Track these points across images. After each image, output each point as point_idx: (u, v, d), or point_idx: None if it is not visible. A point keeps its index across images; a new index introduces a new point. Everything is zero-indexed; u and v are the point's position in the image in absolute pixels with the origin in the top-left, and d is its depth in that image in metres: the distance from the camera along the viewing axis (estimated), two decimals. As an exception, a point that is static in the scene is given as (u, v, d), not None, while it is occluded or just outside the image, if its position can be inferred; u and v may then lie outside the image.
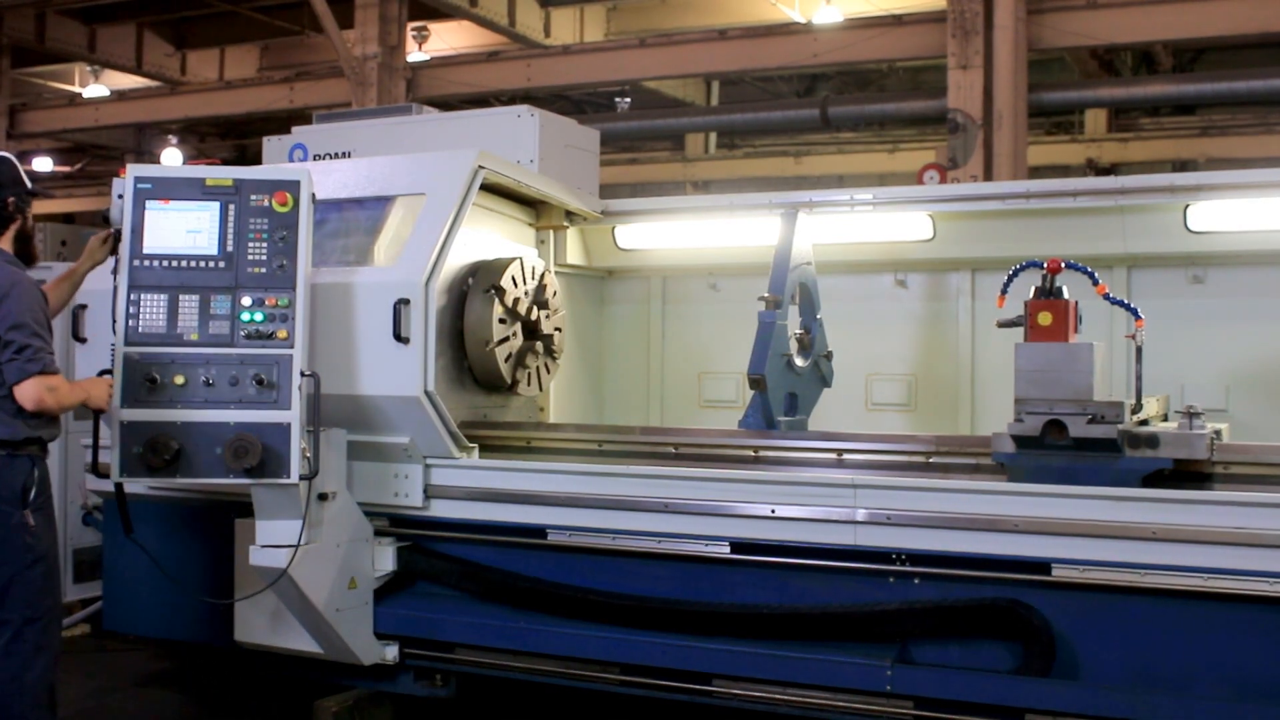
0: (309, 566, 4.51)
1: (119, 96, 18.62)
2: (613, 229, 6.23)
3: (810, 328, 5.58)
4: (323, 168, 5.34)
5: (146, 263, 4.32)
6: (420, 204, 4.92)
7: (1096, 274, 4.46)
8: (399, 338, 4.62)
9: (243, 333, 4.29)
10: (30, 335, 3.97)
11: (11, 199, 4.22)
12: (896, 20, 12.97)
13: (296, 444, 4.24)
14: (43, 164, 21.77)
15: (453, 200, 4.86)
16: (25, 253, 4.31)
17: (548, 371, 5.64)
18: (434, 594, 4.92)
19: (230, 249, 4.35)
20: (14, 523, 4.00)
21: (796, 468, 4.75)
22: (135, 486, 4.73)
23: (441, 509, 4.83)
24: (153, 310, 4.29)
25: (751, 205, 5.87)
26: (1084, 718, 3.90)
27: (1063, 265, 4.32)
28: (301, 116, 7.58)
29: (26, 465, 4.05)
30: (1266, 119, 15.65)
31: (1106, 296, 4.49)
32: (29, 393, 3.94)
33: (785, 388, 5.28)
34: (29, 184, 4.31)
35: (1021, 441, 4.21)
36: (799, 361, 5.42)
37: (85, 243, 4.80)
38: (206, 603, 4.97)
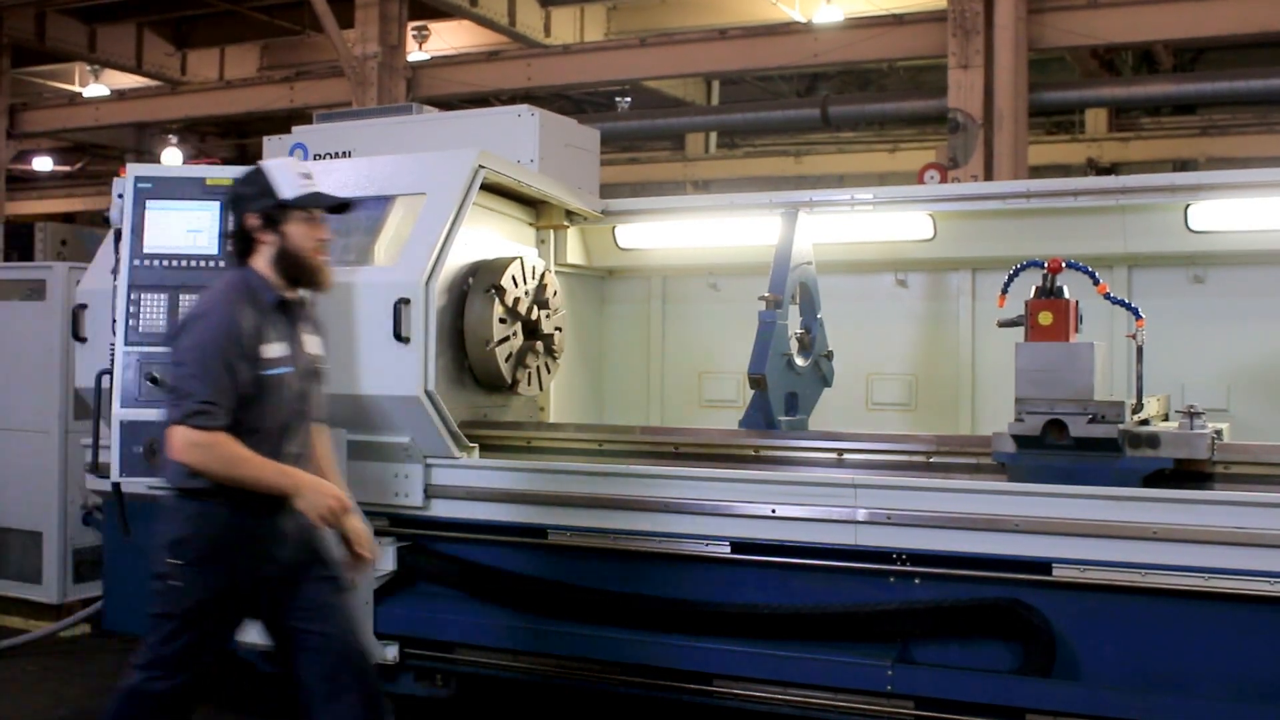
0: (309, 566, 4.50)
1: (119, 96, 18.62)
2: (613, 229, 6.22)
3: (811, 327, 5.58)
4: (323, 167, 5.33)
5: (146, 262, 4.32)
6: (420, 203, 4.92)
7: (1097, 273, 4.46)
8: (399, 337, 4.62)
9: (243, 332, 4.28)
10: (187, 377, 3.40)
11: (254, 216, 3.57)
12: (897, 20, 12.96)
13: (297, 444, 4.22)
14: (43, 164, 21.80)
15: (453, 200, 4.86)
16: (298, 277, 3.61)
17: (548, 371, 5.64)
18: (434, 594, 4.92)
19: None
20: (157, 570, 3.50)
21: (797, 467, 4.75)
22: (135, 486, 4.72)
23: (442, 509, 4.83)
24: (153, 310, 4.30)
25: (752, 205, 5.86)
26: (1084, 718, 3.90)
27: (1063, 265, 4.31)
28: (301, 116, 7.60)
29: (189, 512, 3.48)
30: (1267, 118, 15.64)
31: (1107, 296, 4.49)
32: (174, 441, 3.40)
33: (785, 387, 5.27)
34: (286, 193, 3.56)
35: (1022, 441, 4.21)
36: (799, 361, 5.41)
37: (85, 243, 4.72)
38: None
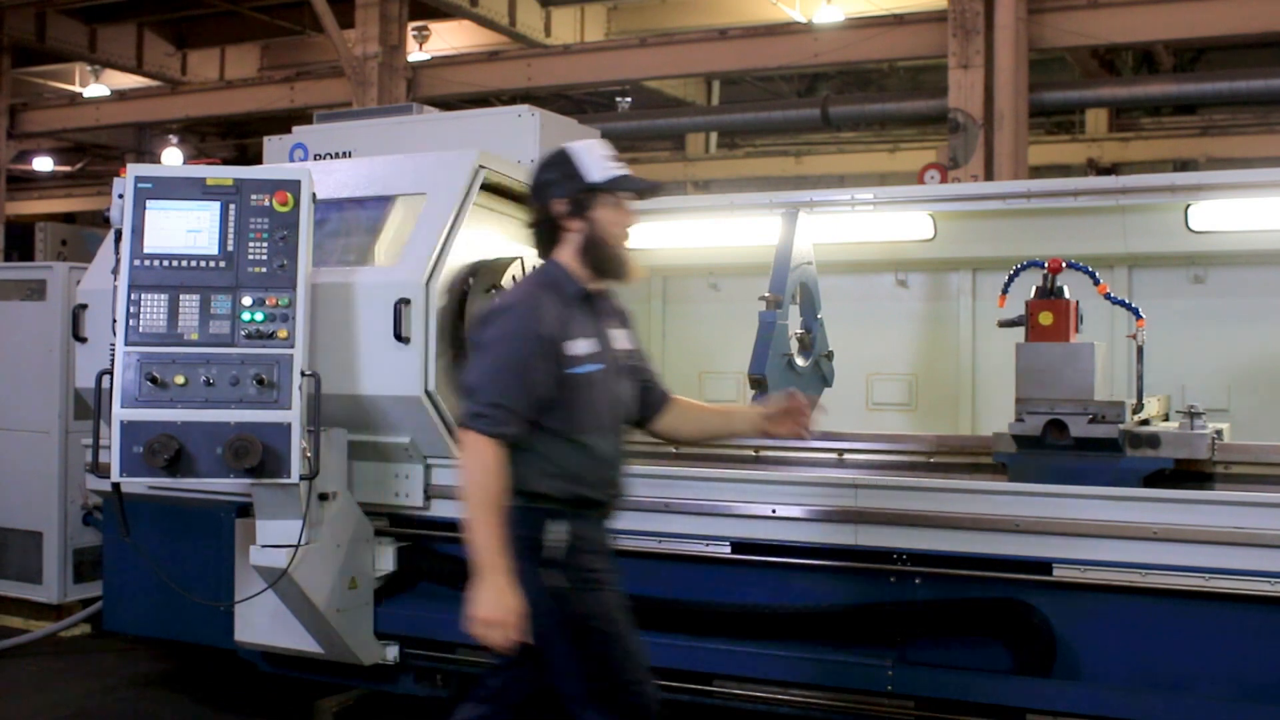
0: (309, 566, 4.51)
1: (119, 96, 18.62)
2: (613, 229, 6.21)
3: (811, 327, 5.57)
4: (323, 167, 5.34)
5: (147, 262, 4.31)
6: (421, 204, 4.92)
7: (1097, 274, 4.47)
8: (400, 337, 4.62)
9: (243, 332, 4.29)
10: (480, 374, 3.18)
11: (561, 202, 3.30)
12: (897, 20, 12.97)
13: (297, 444, 4.24)
14: (43, 164, 21.81)
15: (453, 200, 4.86)
16: (604, 267, 3.33)
17: (548, 371, 5.63)
18: (434, 594, 4.91)
19: (231, 249, 4.35)
20: (533, 581, 3.16)
21: (797, 467, 4.75)
22: (135, 486, 4.73)
23: (442, 509, 4.82)
24: (153, 310, 4.28)
25: (752, 205, 5.86)
26: (1084, 718, 3.90)
27: (1064, 265, 4.32)
28: (302, 116, 7.58)
29: (539, 518, 3.19)
30: (1267, 119, 15.64)
31: (1108, 296, 4.50)
32: (459, 449, 3.23)
33: (786, 387, 5.26)
34: (595, 176, 3.29)
35: (1022, 441, 4.22)
36: (800, 361, 5.41)
37: (85, 243, 4.67)
38: (206, 605, 4.96)
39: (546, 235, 3.35)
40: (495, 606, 3.05)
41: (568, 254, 3.32)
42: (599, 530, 3.34)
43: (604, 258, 3.32)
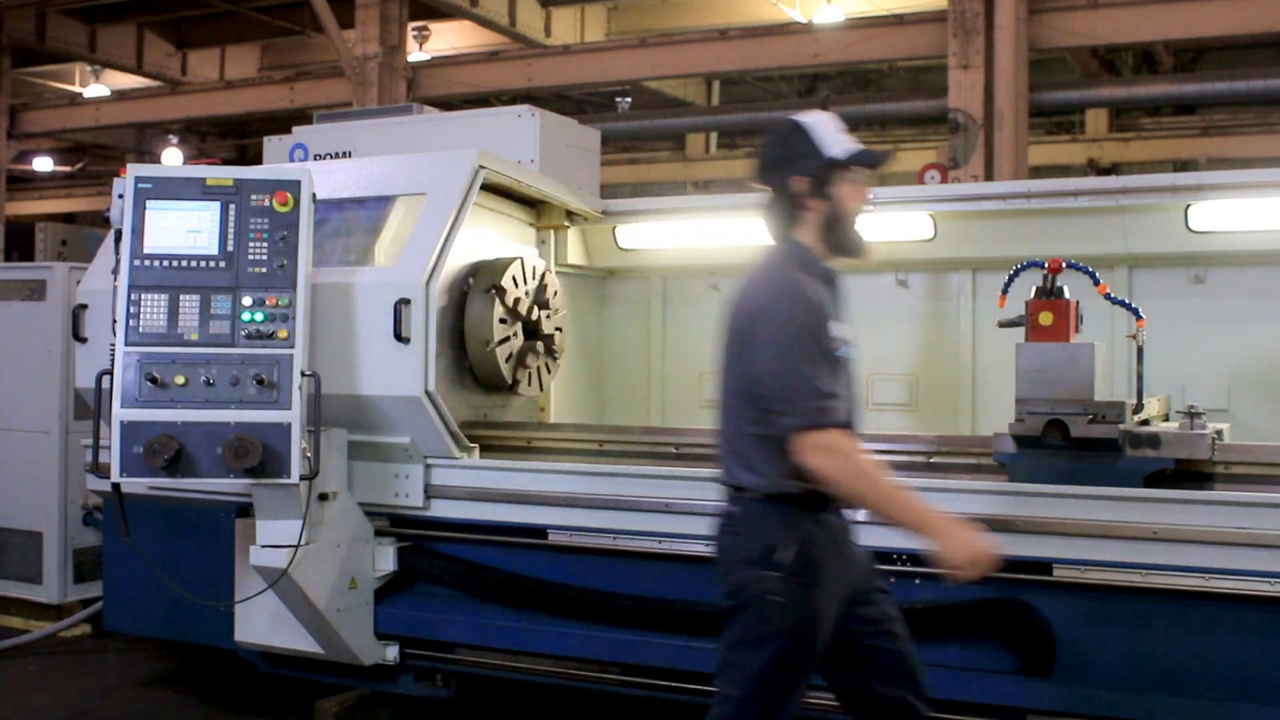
0: (309, 567, 4.52)
1: (119, 96, 18.63)
2: (613, 229, 6.22)
3: (811, 328, 5.56)
4: (323, 167, 5.34)
5: (147, 263, 4.32)
6: (421, 204, 4.93)
7: (1097, 274, 4.46)
8: (400, 338, 4.63)
9: (243, 332, 4.30)
10: (784, 380, 3.00)
11: (801, 179, 3.15)
12: (897, 20, 12.97)
13: (297, 444, 4.24)
14: (43, 164, 21.81)
15: (453, 200, 4.86)
16: (842, 245, 3.23)
17: (548, 371, 5.64)
18: (434, 594, 4.92)
19: (231, 249, 4.36)
20: (754, 587, 3.05)
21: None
22: (135, 486, 4.72)
23: (442, 509, 4.83)
24: (153, 310, 4.29)
25: (752, 205, 5.84)
26: (1084, 718, 3.90)
27: (1064, 265, 4.31)
28: (302, 116, 7.59)
29: (780, 517, 3.06)
30: (1267, 119, 15.65)
31: (1108, 296, 4.49)
32: (801, 448, 2.98)
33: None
34: (834, 151, 3.15)
35: (1022, 441, 4.21)
36: (799, 361, 5.40)
37: (85, 243, 4.67)
38: (206, 605, 4.96)
39: (785, 214, 3.21)
40: (963, 546, 2.99)
41: (808, 233, 3.20)
42: (837, 529, 3.20)
43: (844, 236, 3.22)
